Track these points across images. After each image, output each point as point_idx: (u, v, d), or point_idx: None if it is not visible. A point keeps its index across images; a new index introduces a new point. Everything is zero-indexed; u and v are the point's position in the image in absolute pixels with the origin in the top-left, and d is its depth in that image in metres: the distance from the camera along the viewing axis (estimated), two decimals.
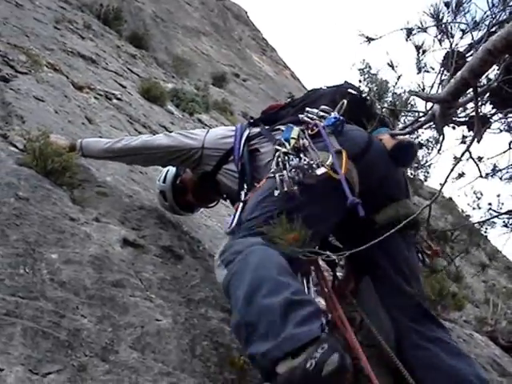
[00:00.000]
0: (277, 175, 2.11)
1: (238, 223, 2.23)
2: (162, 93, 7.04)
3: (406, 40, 2.07)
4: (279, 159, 2.21)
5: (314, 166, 2.08)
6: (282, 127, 2.48)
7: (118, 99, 5.45)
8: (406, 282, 2.36)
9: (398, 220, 2.10)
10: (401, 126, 2.54)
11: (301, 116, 2.50)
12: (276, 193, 2.10)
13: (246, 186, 2.43)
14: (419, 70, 2.11)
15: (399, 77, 2.36)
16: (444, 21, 1.89)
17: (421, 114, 2.13)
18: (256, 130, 2.66)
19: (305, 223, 1.88)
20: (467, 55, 1.92)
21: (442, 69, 1.93)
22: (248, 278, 1.83)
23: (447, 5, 1.86)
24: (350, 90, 2.67)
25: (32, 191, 2.39)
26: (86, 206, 2.60)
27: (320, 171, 2.08)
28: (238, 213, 2.26)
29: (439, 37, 1.92)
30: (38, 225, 2.19)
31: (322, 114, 2.45)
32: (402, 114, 2.55)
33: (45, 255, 2.04)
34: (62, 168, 2.59)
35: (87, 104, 4.63)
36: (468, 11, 1.90)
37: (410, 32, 2.06)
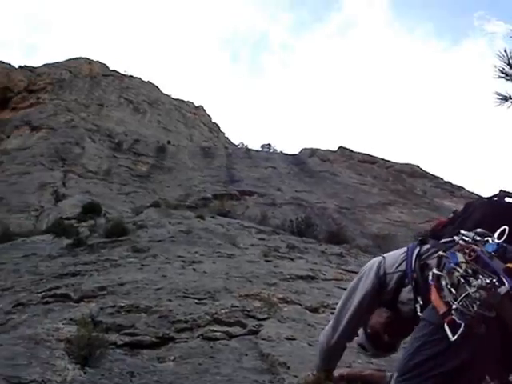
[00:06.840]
0: (455, 304, 1.95)
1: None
2: None
3: None
4: (448, 284, 2.07)
5: (496, 283, 1.91)
6: (442, 253, 2.34)
7: None
8: None
9: None
10: None
11: (456, 238, 2.37)
12: (450, 335, 1.91)
13: (420, 300, 2.35)
14: None
15: None
16: None
17: None
18: (426, 246, 2.57)
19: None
20: None
21: None
22: None
23: None
24: (506, 199, 2.51)
25: None
26: None
27: (504, 290, 1.90)
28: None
29: None
30: None
31: (477, 238, 2.29)
32: None
33: None
34: None
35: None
36: None
37: None
